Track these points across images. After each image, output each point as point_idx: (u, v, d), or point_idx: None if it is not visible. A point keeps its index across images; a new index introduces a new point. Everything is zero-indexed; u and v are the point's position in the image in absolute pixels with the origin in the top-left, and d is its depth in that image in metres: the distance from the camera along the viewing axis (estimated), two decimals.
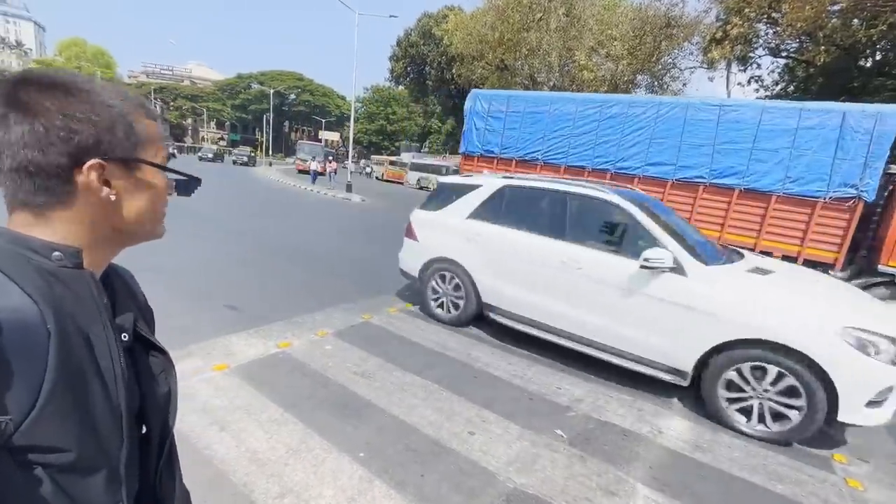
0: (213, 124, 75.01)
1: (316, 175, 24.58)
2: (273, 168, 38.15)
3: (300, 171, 32.86)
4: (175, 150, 44.48)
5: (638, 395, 3.57)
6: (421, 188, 31.60)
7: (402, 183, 34.69)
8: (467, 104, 9.17)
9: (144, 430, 0.65)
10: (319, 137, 59.64)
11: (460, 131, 9.96)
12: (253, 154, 42.40)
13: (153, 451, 0.65)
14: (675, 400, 3.55)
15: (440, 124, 54.23)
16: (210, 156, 40.52)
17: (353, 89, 40.29)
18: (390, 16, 22.03)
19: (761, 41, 24.70)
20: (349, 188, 20.05)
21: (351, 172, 22.67)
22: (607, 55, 24.20)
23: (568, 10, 23.97)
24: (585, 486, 2.41)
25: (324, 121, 64.66)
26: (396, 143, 60.87)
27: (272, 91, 48.41)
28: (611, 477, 2.52)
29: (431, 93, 42.47)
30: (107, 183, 0.55)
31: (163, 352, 0.68)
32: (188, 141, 62.61)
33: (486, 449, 2.65)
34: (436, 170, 31.42)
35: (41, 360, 0.46)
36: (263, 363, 3.44)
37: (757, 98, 29.64)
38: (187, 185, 0.70)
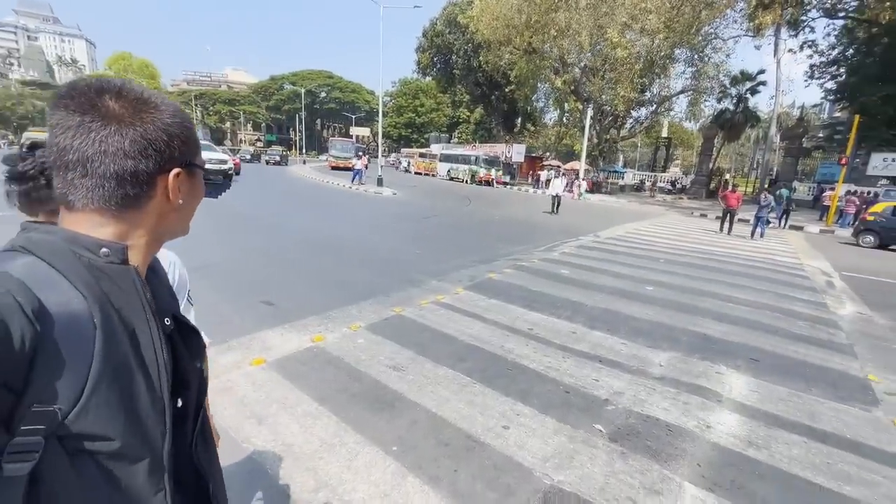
0: (249, 126, 77.71)
1: (359, 174, 22.17)
2: (307, 166, 39.07)
3: (333, 168, 33.50)
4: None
5: (682, 387, 3.38)
6: (451, 179, 31.49)
7: (433, 175, 34.69)
8: None
9: (180, 403, 0.67)
10: (350, 134, 60.46)
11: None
12: (285, 153, 43.56)
13: (189, 423, 0.69)
14: (725, 394, 3.33)
15: (468, 113, 53.71)
16: (248, 157, 42.07)
17: (380, 83, 40.44)
18: (414, 6, 21.84)
19: (815, 1, 22.72)
20: (380, 182, 20.24)
21: (381, 166, 22.86)
22: (642, 30, 23.03)
23: None
24: (627, 485, 2.29)
25: (354, 117, 65.49)
26: (426, 135, 60.82)
27: (303, 90, 49.46)
28: (655, 475, 2.38)
29: (459, 82, 42.06)
30: (178, 189, 0.61)
31: (195, 330, 0.72)
32: (227, 144, 65.22)
33: (521, 444, 2.57)
34: (466, 159, 31.17)
35: (88, 352, 0.49)
36: (299, 357, 3.50)
37: (811, 65, 27.35)
38: (217, 188, 0.76)
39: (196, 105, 68.39)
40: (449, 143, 46.88)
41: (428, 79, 48.99)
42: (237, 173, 19.59)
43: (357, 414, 2.77)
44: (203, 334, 0.76)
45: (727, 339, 4.45)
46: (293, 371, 3.26)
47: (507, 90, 34.16)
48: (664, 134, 40.73)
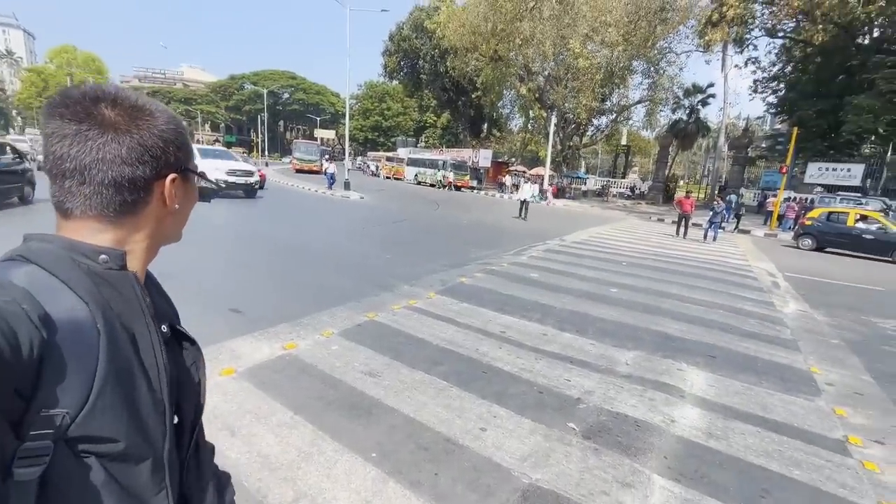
0: (207, 127, 74.61)
1: (333, 179, 20.73)
2: (269, 168, 37.92)
3: (297, 171, 32.71)
4: None
5: (648, 384, 3.55)
6: (419, 183, 31.51)
7: (401, 179, 34.56)
8: None
9: (176, 419, 0.67)
10: (315, 136, 59.25)
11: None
12: (245, 154, 42.16)
13: (185, 437, 0.68)
14: (687, 389, 3.53)
15: (435, 118, 53.95)
16: None
17: (346, 86, 40.00)
18: (382, 10, 21.80)
19: (758, 22, 24.47)
20: (347, 186, 19.96)
21: (348, 170, 22.56)
22: (602, 42, 23.98)
23: None
24: (601, 479, 2.39)
25: (318, 119, 64.21)
26: (392, 139, 60.60)
27: (265, 91, 48.05)
28: (626, 469, 2.49)
29: (426, 86, 42.21)
30: (174, 194, 0.62)
31: (193, 342, 0.72)
32: None
33: (498, 445, 2.62)
34: (433, 164, 31.30)
35: (93, 358, 0.49)
36: (270, 366, 3.41)
37: (754, 80, 29.42)
38: (209, 193, 0.78)
39: None
40: (416, 147, 46.89)
41: (395, 82, 48.87)
42: (261, 187, 16.26)
43: (334, 421, 2.74)
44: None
45: (686, 337, 4.71)
46: (265, 380, 3.18)
47: (473, 96, 34.62)
48: (623, 142, 42.53)
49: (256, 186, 14.72)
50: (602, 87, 27.77)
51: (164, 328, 0.65)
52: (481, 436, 2.70)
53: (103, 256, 0.56)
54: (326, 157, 29.99)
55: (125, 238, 0.59)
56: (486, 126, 44.30)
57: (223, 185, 13.11)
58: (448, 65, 32.31)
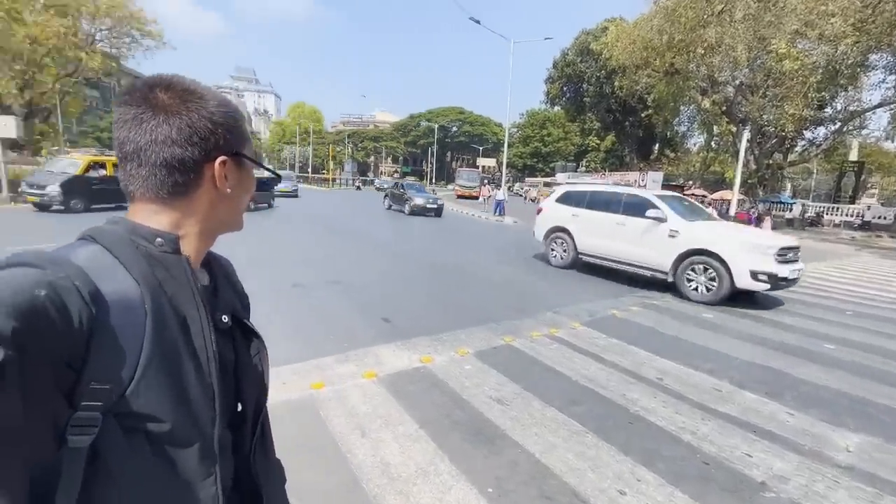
0: (389, 160, 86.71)
1: (501, 206, 20.69)
2: (437, 194, 41.61)
3: (459, 197, 35.05)
4: (360, 183, 52.51)
5: (885, 486, 2.49)
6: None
7: None
8: None
9: (240, 407, 0.68)
10: (477, 164, 62.91)
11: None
12: (419, 184, 47.35)
13: (248, 428, 0.69)
14: None
15: (598, 141, 51.46)
16: (386, 186, 46.88)
17: (507, 115, 41.47)
18: (545, 38, 22.09)
19: None
20: (501, 210, 20.41)
21: (506, 196, 23.10)
22: (820, 36, 19.42)
23: None
24: None
25: (481, 148, 68.05)
26: (551, 164, 59.97)
27: (437, 126, 53.50)
28: None
29: (589, 109, 40.74)
30: (225, 177, 0.62)
31: (257, 335, 0.73)
32: (370, 175, 73.66)
33: None
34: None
35: (139, 337, 0.51)
36: (407, 376, 3.56)
37: None
38: (267, 182, 0.75)
39: (348, 142, 79.18)
40: (576, 171, 45.33)
41: (556, 108, 48.59)
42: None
43: (456, 443, 2.67)
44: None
45: None
46: (400, 389, 3.32)
47: (643, 115, 31.82)
48: (853, 157, 33.15)
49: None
50: (819, 91, 22.31)
51: (225, 318, 0.66)
52: (618, 500, 2.26)
53: (159, 239, 0.58)
54: (485, 182, 31.37)
55: (179, 221, 0.61)
56: (657, 146, 40.17)
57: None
58: (615, 84, 30.57)
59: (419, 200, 19.13)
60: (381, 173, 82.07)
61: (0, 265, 0.45)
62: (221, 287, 0.70)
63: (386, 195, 22.44)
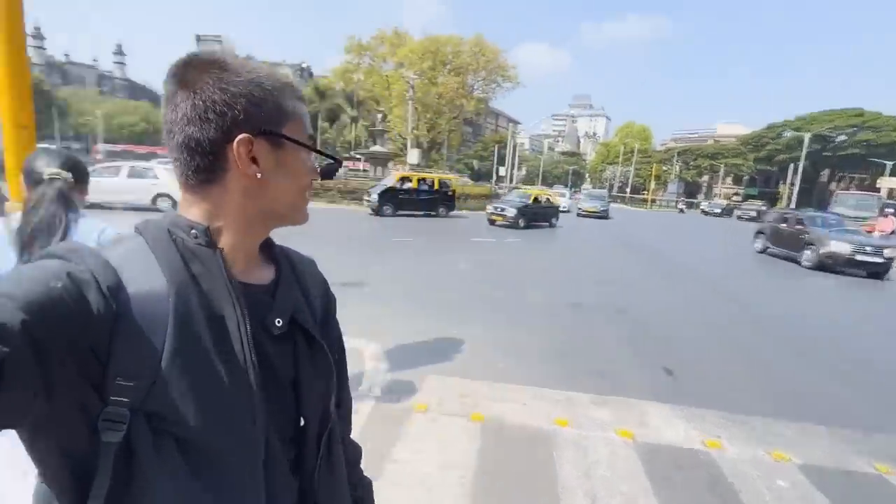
0: (728, 180, 72.60)
1: None
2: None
3: None
4: (683, 205, 46.57)
5: None
6: None
7: None
8: None
9: (302, 422, 0.63)
10: (877, 186, 43.55)
11: None
12: (764, 208, 37.70)
13: (310, 445, 0.63)
14: None
15: None
16: (717, 210, 39.49)
17: None
18: None
19: None
20: None
21: None
22: None
23: None
24: None
25: (889, 164, 46.79)
26: None
27: (807, 136, 40.39)
28: None
29: None
30: (254, 160, 0.54)
31: (321, 346, 0.64)
32: (700, 197, 63.81)
33: None
34: None
35: (162, 334, 0.48)
36: (675, 454, 2.73)
37: None
38: (330, 169, 0.66)
39: (677, 160, 71.52)
40: None
41: None
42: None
43: None
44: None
45: None
46: (659, 467, 2.57)
47: None
48: None
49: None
50: None
51: (279, 321, 0.59)
52: None
53: (193, 231, 0.54)
54: (888, 211, 21.19)
55: (214, 212, 0.56)
56: None
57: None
58: None
59: (840, 247, 10.56)
60: (716, 195, 69.70)
61: (40, 256, 0.48)
62: (284, 286, 0.63)
63: (760, 231, 14.51)
